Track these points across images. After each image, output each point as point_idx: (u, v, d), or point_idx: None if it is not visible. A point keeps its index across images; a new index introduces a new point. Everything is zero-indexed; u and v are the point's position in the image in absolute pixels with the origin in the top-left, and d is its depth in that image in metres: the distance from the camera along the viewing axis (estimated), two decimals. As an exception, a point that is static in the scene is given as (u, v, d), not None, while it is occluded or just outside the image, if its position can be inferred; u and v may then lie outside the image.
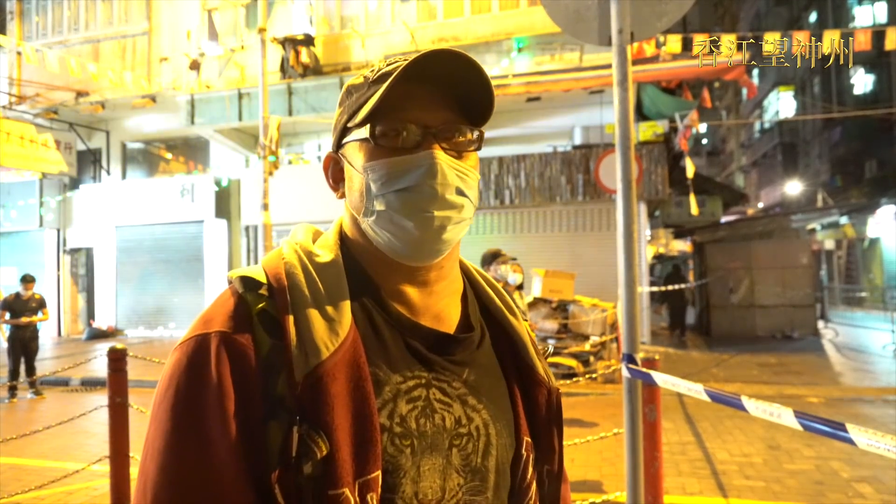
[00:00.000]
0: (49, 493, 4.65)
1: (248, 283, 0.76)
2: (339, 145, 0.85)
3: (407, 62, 0.75)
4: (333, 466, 0.67)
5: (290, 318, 0.72)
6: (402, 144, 0.77)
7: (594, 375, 4.97)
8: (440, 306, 0.84)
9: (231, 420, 0.68)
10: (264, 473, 0.68)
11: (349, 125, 0.82)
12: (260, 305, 0.74)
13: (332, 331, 0.72)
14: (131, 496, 0.70)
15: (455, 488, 0.76)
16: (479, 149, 0.83)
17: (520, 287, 6.53)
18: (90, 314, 15.73)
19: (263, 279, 0.76)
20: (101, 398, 4.26)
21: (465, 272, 0.93)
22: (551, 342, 8.66)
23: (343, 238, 0.86)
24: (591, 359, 8.88)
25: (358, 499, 0.68)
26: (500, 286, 0.95)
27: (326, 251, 0.81)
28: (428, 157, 0.76)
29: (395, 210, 0.77)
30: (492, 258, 5.49)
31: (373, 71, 0.81)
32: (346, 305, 0.75)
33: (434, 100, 0.79)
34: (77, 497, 4.70)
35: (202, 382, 0.69)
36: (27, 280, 8.73)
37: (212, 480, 0.66)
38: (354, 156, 0.81)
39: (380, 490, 0.70)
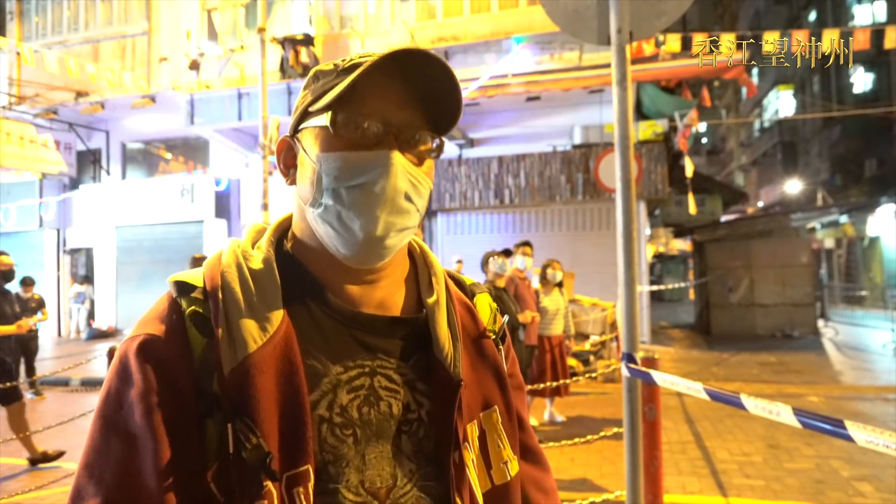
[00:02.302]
0: (49, 493, 4.65)
1: (181, 287, 0.77)
2: (296, 130, 0.82)
3: (380, 56, 0.73)
4: (260, 455, 0.67)
5: (221, 316, 0.72)
6: (362, 139, 0.75)
7: (594, 375, 4.97)
8: (382, 295, 0.82)
9: (157, 419, 0.69)
10: (201, 471, 0.68)
11: (310, 109, 0.79)
12: (192, 308, 0.74)
13: (261, 326, 0.72)
14: None
15: (408, 475, 0.75)
16: (437, 157, 0.81)
17: (559, 285, 6.59)
18: (90, 314, 15.74)
19: (199, 283, 0.77)
20: (102, 398, 4.26)
21: (416, 256, 0.91)
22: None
23: (283, 234, 0.86)
24: (591, 358, 8.89)
25: (284, 492, 0.68)
26: (454, 274, 0.95)
27: (259, 251, 0.81)
28: (385, 157, 0.74)
29: (343, 206, 0.75)
30: (488, 257, 5.82)
31: (344, 60, 0.79)
32: (278, 300, 0.75)
33: (402, 97, 0.76)
34: None
35: (128, 383, 0.70)
36: (27, 283, 8.75)
37: (132, 475, 0.67)
38: (310, 143, 0.79)
39: (311, 484, 0.70)
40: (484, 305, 0.94)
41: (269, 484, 0.67)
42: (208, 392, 0.70)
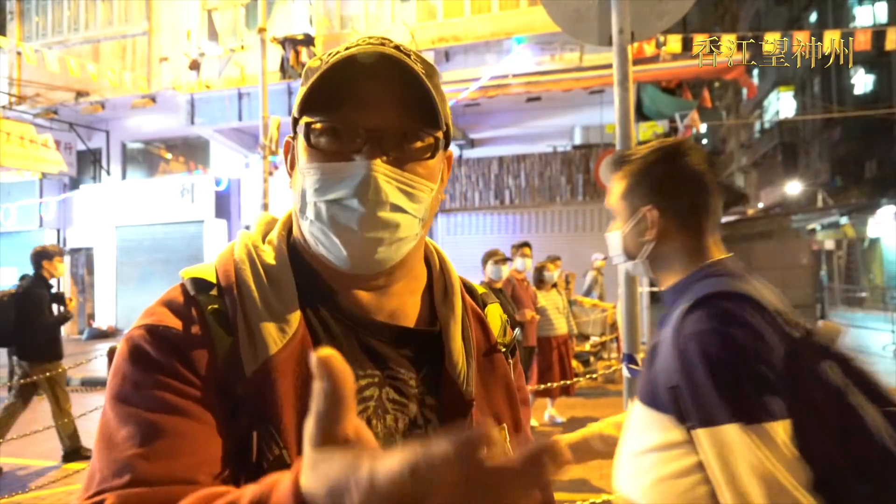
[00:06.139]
0: (49, 492, 4.65)
1: (199, 285, 0.72)
2: (294, 131, 0.78)
3: (332, 63, 0.68)
4: (282, 468, 0.61)
5: (239, 314, 0.69)
6: (341, 148, 0.70)
7: (594, 375, 4.96)
8: (395, 304, 0.78)
9: (180, 402, 0.63)
10: (219, 472, 0.63)
11: (295, 114, 0.74)
12: (212, 306, 0.70)
13: (280, 327, 0.68)
14: None
15: None
16: (433, 157, 0.74)
17: (556, 285, 6.56)
18: (90, 314, 15.74)
19: (214, 279, 0.73)
20: (101, 398, 4.26)
21: (433, 265, 0.86)
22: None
23: (292, 232, 0.81)
24: (592, 359, 8.89)
25: None
26: (468, 283, 0.92)
27: (271, 246, 0.77)
28: (361, 167, 0.68)
29: (324, 222, 0.71)
30: (487, 258, 5.73)
31: (331, 54, 0.72)
32: (294, 301, 0.71)
33: (385, 99, 0.70)
34: (77, 496, 4.70)
35: (146, 368, 0.65)
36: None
37: (159, 454, 0.61)
38: (301, 148, 0.74)
39: None
40: (495, 316, 0.90)
41: None
42: (233, 393, 0.66)
